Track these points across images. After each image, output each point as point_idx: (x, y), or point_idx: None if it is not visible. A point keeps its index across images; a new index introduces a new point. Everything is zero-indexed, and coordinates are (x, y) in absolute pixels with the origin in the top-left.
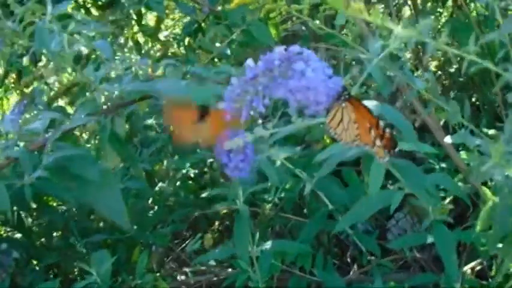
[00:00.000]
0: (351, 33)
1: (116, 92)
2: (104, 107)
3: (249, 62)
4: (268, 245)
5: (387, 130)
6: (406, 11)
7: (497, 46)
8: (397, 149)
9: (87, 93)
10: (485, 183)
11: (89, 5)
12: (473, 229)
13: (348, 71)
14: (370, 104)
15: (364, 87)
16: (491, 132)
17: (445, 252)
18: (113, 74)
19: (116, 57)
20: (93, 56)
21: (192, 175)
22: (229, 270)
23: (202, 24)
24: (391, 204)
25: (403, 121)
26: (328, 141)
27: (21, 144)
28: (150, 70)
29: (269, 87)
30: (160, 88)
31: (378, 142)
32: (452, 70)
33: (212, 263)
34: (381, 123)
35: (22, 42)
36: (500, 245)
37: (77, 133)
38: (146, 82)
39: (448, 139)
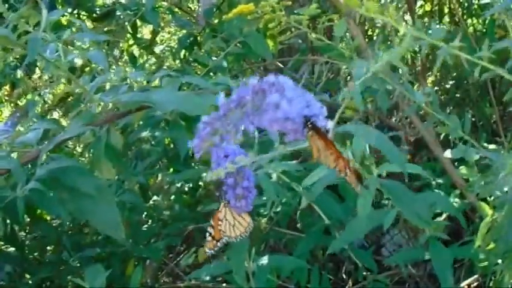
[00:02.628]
0: (348, 46)
1: (111, 103)
2: (99, 117)
3: (221, 97)
4: (264, 260)
5: (351, 164)
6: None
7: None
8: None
9: (82, 104)
10: (483, 199)
11: (84, 18)
12: (470, 245)
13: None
14: (351, 128)
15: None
16: (492, 147)
17: (440, 269)
18: (108, 86)
19: (111, 69)
20: (88, 68)
21: (186, 189)
22: (225, 285)
23: (198, 38)
24: (384, 223)
25: (387, 144)
26: None
27: (14, 155)
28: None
29: (243, 121)
30: (156, 99)
31: (348, 172)
32: (448, 86)
33: (207, 278)
34: (345, 155)
35: (16, 51)
36: (500, 261)
37: (71, 147)
38: (142, 93)
39: (448, 153)
